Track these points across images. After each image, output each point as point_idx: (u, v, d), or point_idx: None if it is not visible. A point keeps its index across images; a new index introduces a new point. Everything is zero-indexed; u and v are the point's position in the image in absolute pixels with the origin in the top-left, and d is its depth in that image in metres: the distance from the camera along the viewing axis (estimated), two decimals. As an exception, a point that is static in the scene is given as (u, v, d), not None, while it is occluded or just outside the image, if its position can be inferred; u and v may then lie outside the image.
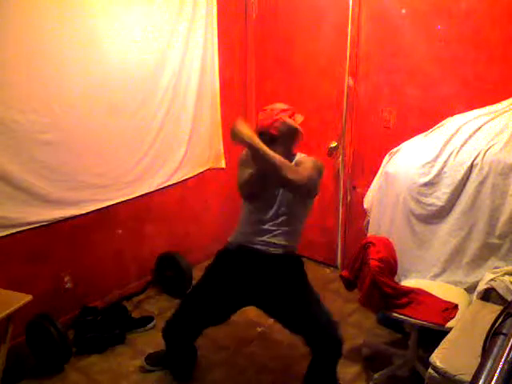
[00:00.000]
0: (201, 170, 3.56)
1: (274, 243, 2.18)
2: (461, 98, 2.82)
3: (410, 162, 2.63)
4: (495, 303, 2.16)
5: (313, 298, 2.21)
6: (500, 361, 0.98)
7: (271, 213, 2.19)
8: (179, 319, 2.35)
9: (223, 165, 3.67)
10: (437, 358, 1.83)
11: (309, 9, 3.34)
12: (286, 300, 2.17)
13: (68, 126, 2.63)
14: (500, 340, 1.04)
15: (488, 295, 2.24)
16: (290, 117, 2.19)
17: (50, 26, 2.45)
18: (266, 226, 2.19)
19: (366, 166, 3.31)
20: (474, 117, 2.59)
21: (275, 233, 2.18)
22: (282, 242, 2.18)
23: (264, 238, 2.18)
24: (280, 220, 2.19)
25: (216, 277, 2.27)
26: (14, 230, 2.51)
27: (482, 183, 2.40)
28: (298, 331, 2.20)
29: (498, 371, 0.96)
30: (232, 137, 1.99)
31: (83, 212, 2.81)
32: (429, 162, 2.56)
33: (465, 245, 2.49)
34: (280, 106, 2.24)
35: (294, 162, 2.17)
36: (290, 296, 2.17)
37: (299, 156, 2.26)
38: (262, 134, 2.11)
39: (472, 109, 2.66)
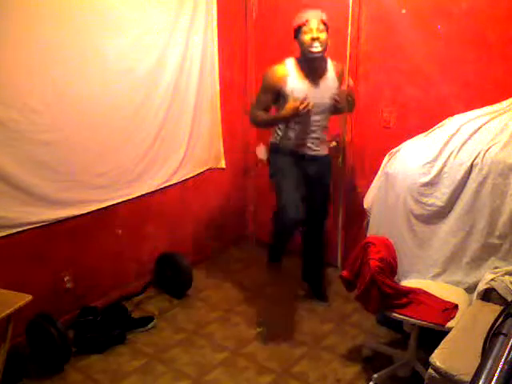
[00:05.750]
0: (201, 170, 3.56)
1: None
2: (461, 98, 2.82)
3: (410, 162, 2.63)
4: (495, 303, 2.16)
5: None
6: (500, 361, 0.98)
7: None
8: (287, 201, 2.75)
9: (223, 165, 3.67)
10: (437, 358, 1.83)
11: (309, 9, 3.33)
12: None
13: (68, 125, 2.63)
14: (500, 340, 1.04)
15: (488, 295, 2.24)
16: None
17: (50, 26, 2.45)
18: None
19: (366, 166, 3.31)
20: (473, 117, 2.58)
21: None
22: None
23: None
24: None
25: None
26: (14, 230, 2.51)
27: (481, 183, 2.39)
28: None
29: (497, 371, 0.96)
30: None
31: (83, 212, 2.81)
32: (429, 162, 2.55)
33: (465, 245, 2.48)
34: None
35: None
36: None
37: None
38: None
39: (472, 109, 2.65)
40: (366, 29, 3.12)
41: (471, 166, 2.42)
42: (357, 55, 3.20)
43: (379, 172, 2.83)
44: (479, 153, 2.41)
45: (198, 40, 3.26)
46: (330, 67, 2.81)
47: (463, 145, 2.49)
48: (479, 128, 2.50)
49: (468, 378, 1.00)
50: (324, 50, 2.66)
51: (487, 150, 2.40)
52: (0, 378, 2.24)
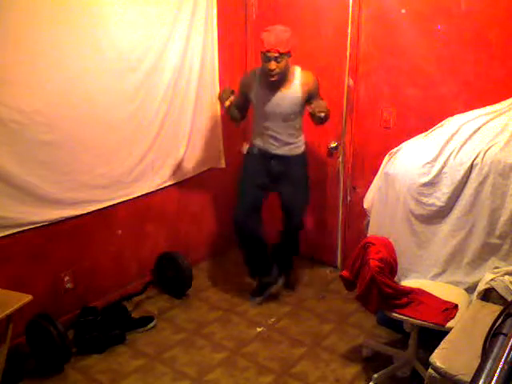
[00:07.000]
0: (201, 170, 3.56)
1: None
2: (461, 98, 2.82)
3: (409, 162, 2.63)
4: (495, 303, 2.16)
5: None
6: (500, 361, 0.98)
7: None
8: (239, 202, 3.16)
9: (223, 165, 3.67)
10: (437, 358, 1.83)
11: (309, 9, 3.34)
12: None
13: (68, 126, 2.63)
14: (500, 340, 1.04)
15: (488, 295, 2.24)
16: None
17: (50, 27, 2.45)
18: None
19: (366, 166, 3.31)
20: (474, 117, 2.58)
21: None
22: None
23: None
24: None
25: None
26: (14, 230, 2.51)
27: (481, 183, 2.40)
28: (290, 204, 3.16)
29: (498, 371, 0.96)
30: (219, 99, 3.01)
31: (83, 212, 2.81)
32: (429, 162, 2.55)
33: (465, 245, 2.49)
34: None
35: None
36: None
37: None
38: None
39: (472, 109, 2.65)
40: (366, 29, 3.12)
41: (471, 165, 2.42)
42: (357, 55, 3.20)
43: (379, 172, 2.83)
44: (479, 153, 2.41)
45: (197, 40, 3.26)
46: (297, 77, 2.95)
47: (463, 145, 2.49)
48: (479, 128, 2.50)
49: (468, 378, 1.00)
50: (282, 74, 2.85)
51: (487, 150, 2.40)
52: (0, 378, 2.24)
